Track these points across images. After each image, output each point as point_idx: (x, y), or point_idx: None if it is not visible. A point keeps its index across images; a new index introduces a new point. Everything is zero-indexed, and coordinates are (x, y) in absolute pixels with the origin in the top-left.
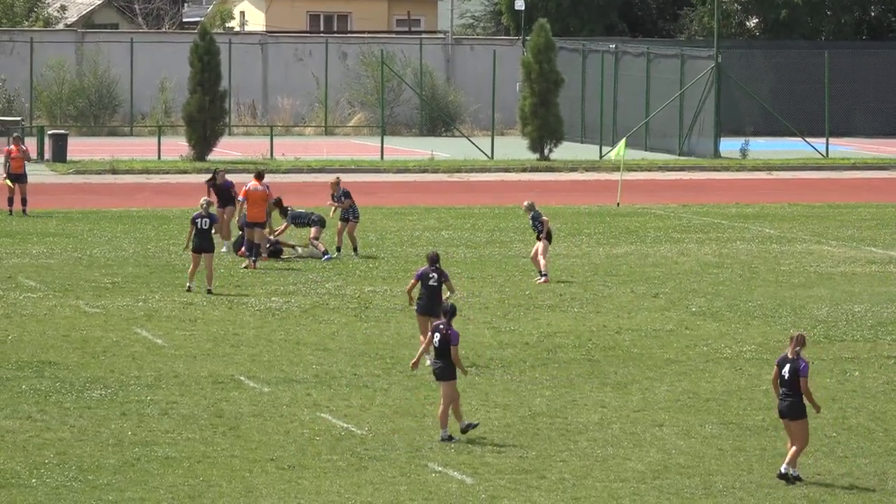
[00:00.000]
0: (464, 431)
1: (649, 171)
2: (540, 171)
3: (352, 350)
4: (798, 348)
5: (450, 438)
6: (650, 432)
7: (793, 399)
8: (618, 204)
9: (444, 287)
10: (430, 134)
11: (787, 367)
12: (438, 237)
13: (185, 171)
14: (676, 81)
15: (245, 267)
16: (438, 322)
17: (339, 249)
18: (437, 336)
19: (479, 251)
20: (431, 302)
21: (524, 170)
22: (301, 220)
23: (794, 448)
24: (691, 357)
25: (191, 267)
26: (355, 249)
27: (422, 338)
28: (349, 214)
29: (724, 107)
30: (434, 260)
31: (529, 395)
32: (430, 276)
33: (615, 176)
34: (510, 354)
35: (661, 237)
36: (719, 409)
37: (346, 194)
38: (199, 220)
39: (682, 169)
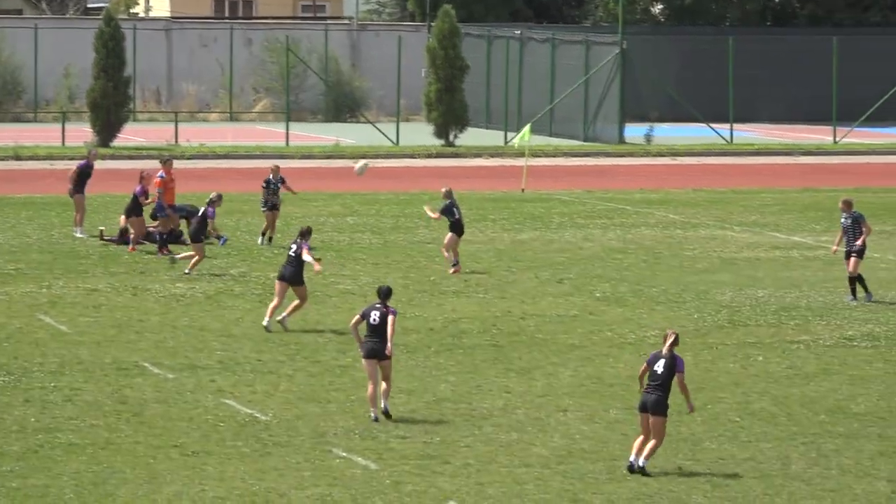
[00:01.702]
0: (386, 413)
1: (554, 156)
2: (445, 156)
3: (256, 336)
4: (673, 346)
5: (378, 419)
6: (554, 417)
7: (660, 395)
8: (522, 190)
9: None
10: (336, 120)
11: (662, 362)
12: (343, 223)
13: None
14: (581, 67)
15: (169, 257)
16: (375, 302)
17: (270, 239)
18: (376, 314)
19: (384, 237)
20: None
21: (429, 156)
22: (181, 213)
23: (652, 442)
24: (595, 342)
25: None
26: (270, 239)
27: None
28: (278, 202)
29: (628, 93)
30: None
31: (434, 381)
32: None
33: (520, 162)
34: (415, 340)
35: (566, 223)
36: (623, 394)
37: (282, 181)
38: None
39: (586, 155)
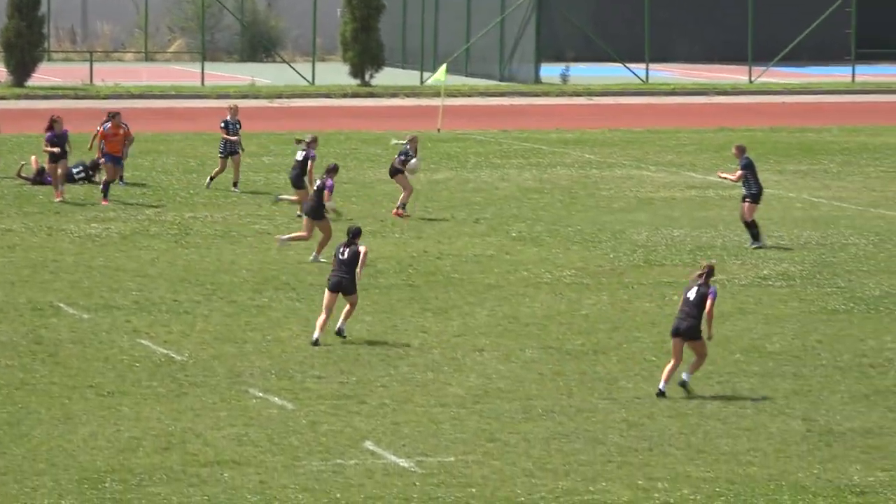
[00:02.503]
0: (339, 332)
1: (470, 96)
2: (361, 96)
3: (172, 276)
4: (708, 278)
5: (318, 342)
6: (470, 357)
7: (693, 321)
8: (438, 130)
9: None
10: (251, 60)
11: (695, 290)
12: (259, 163)
13: (3, 98)
14: (497, 7)
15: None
16: (346, 241)
17: (235, 184)
18: (346, 250)
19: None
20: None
21: (345, 95)
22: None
23: (695, 360)
24: (511, 282)
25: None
26: (235, 184)
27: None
28: (238, 147)
29: (544, 32)
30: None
31: (350, 321)
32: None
33: (436, 102)
34: None
35: (482, 163)
36: (539, 333)
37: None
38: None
39: (502, 94)
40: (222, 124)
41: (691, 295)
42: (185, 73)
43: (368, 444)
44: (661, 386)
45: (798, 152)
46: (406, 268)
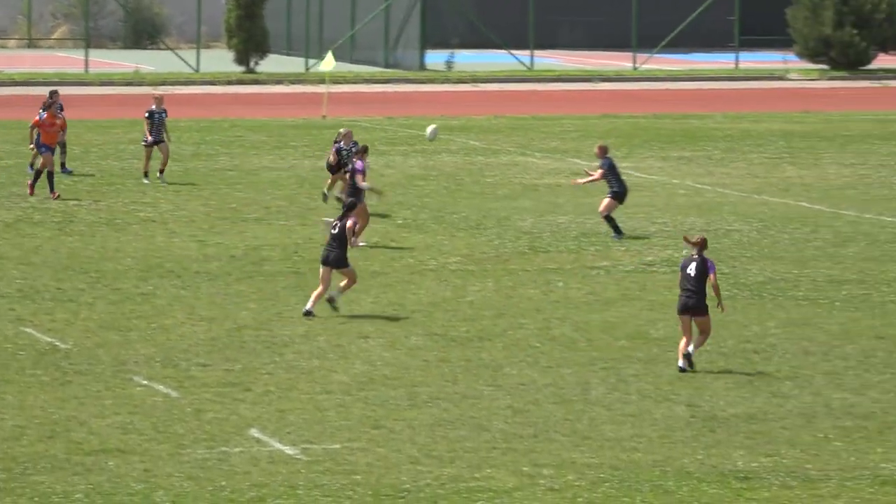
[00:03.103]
0: (330, 301)
1: (355, 83)
2: (246, 83)
3: (56, 264)
4: (701, 250)
5: (311, 313)
6: (355, 344)
7: (699, 297)
8: (324, 116)
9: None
10: (136, 47)
11: (693, 265)
12: (143, 151)
13: None
14: None
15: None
16: (340, 216)
17: (161, 172)
18: (339, 225)
19: (184, 164)
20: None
21: (230, 83)
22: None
23: (701, 336)
24: (396, 269)
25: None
26: (161, 172)
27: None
28: (164, 135)
29: (429, 19)
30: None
31: (235, 308)
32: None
33: (321, 88)
34: (216, 267)
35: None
36: (424, 320)
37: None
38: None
39: (387, 81)
40: (147, 114)
41: (691, 271)
42: (69, 60)
43: (254, 432)
44: (680, 363)
45: (682, 139)
46: (291, 255)
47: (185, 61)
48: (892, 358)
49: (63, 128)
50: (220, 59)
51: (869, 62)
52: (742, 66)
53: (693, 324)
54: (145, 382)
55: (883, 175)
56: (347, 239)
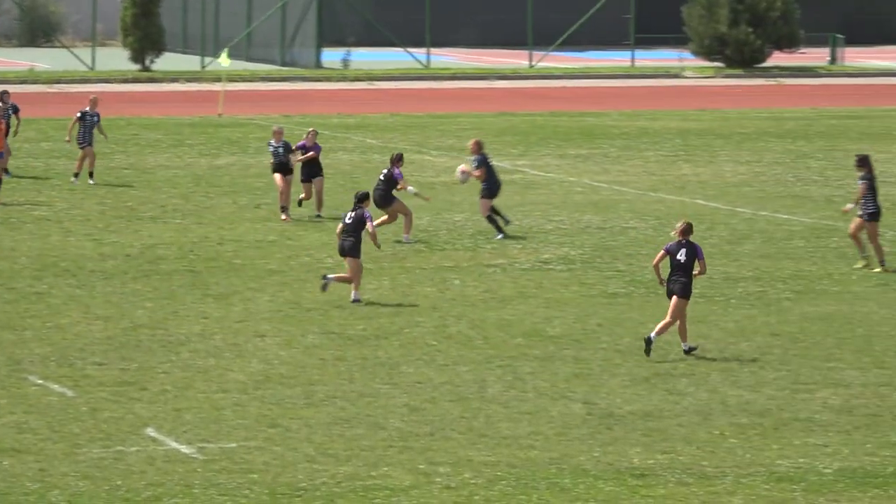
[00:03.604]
0: (355, 301)
1: (251, 81)
2: (141, 81)
3: None
4: (687, 235)
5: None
6: (252, 343)
7: (686, 280)
8: (220, 115)
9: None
10: (30, 45)
11: (683, 251)
12: (38, 149)
13: None
14: None
15: None
16: (354, 207)
17: (91, 175)
18: (351, 214)
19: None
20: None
21: (126, 81)
22: None
23: (669, 321)
24: (293, 267)
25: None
26: (91, 174)
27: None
28: (91, 139)
29: (325, 17)
30: (360, 199)
31: (131, 307)
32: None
33: (217, 86)
34: (111, 266)
35: (263, 147)
36: (321, 319)
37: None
38: None
39: (284, 79)
40: (79, 115)
41: (682, 257)
42: None
43: (150, 431)
44: (652, 335)
45: (578, 136)
46: (187, 253)
47: (80, 59)
48: (787, 355)
49: (7, 131)
50: (116, 57)
51: (764, 60)
52: (638, 64)
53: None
54: (40, 382)
55: (778, 173)
56: (373, 240)
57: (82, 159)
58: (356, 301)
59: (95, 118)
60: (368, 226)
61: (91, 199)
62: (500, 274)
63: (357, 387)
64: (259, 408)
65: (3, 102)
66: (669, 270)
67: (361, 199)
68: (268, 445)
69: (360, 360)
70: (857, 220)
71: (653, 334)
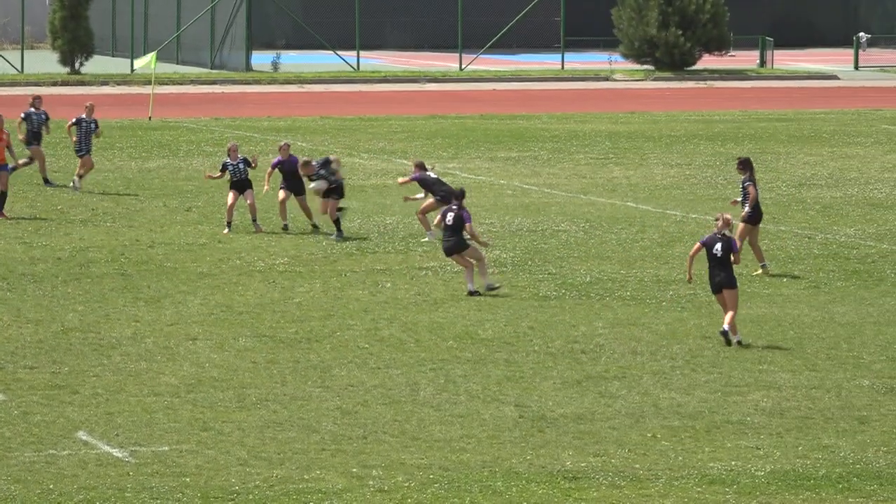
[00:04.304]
0: (490, 288)
1: (181, 84)
2: (71, 84)
3: None
4: (725, 229)
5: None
6: (184, 346)
7: (728, 272)
8: (150, 118)
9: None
10: None
11: (719, 245)
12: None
13: None
14: None
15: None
16: (452, 204)
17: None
18: (451, 215)
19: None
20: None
21: (55, 83)
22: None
23: (731, 313)
24: (224, 270)
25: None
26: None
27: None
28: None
29: (255, 20)
30: (458, 196)
31: (62, 311)
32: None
33: (147, 90)
34: (42, 269)
35: (194, 150)
36: (253, 321)
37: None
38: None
39: (213, 82)
40: (74, 120)
41: (718, 251)
42: None
43: (81, 435)
44: (725, 328)
45: (509, 139)
46: (118, 257)
47: (9, 62)
48: (718, 357)
49: (8, 145)
50: (45, 60)
51: (694, 63)
52: (568, 66)
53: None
54: None
55: (708, 175)
56: (474, 236)
57: (82, 167)
58: (490, 288)
59: (93, 125)
60: (468, 227)
61: (21, 202)
62: (431, 277)
63: (289, 390)
64: (191, 411)
65: (36, 109)
66: (709, 265)
67: (460, 196)
68: (200, 449)
69: (292, 363)
70: (742, 227)
71: (726, 327)
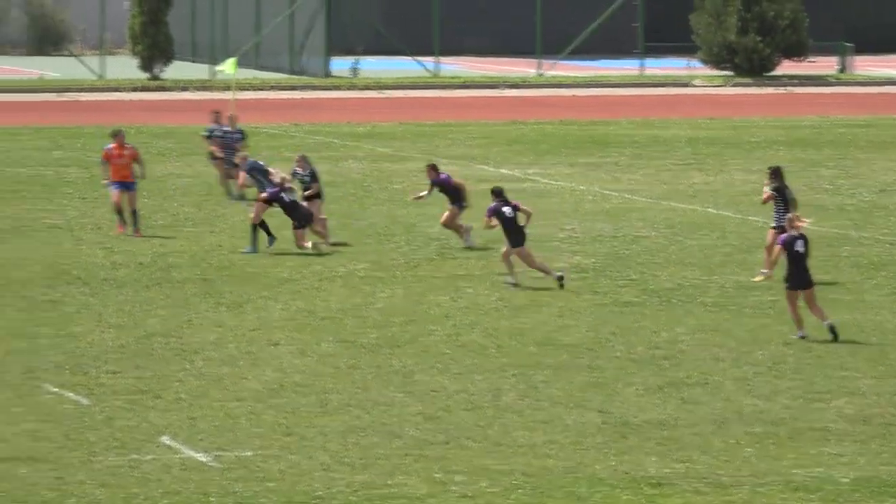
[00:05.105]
0: (560, 282)
1: (261, 89)
2: (151, 90)
3: None
4: (794, 228)
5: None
6: (266, 351)
7: (808, 271)
8: None
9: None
10: (39, 53)
11: (800, 242)
12: (49, 157)
13: None
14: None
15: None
16: (499, 203)
17: None
18: (508, 209)
19: (91, 171)
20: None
21: (135, 89)
22: None
23: (818, 307)
24: (306, 275)
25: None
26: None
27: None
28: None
29: (334, 25)
30: (499, 194)
31: (144, 316)
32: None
33: (227, 95)
34: (124, 275)
35: (274, 156)
36: (335, 327)
37: None
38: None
39: (293, 88)
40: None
41: (801, 248)
42: None
43: (165, 439)
44: (827, 322)
45: (589, 145)
46: (200, 262)
47: (89, 68)
48: (801, 364)
49: (135, 158)
50: (125, 66)
51: (773, 68)
52: (647, 72)
53: (802, 297)
54: (55, 390)
55: (788, 181)
56: (526, 218)
57: (226, 177)
58: (555, 276)
59: (238, 135)
60: (523, 210)
61: (103, 208)
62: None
63: (372, 395)
64: (274, 416)
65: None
66: (792, 264)
67: (501, 193)
68: (283, 454)
69: (374, 368)
70: (771, 232)
71: (827, 321)
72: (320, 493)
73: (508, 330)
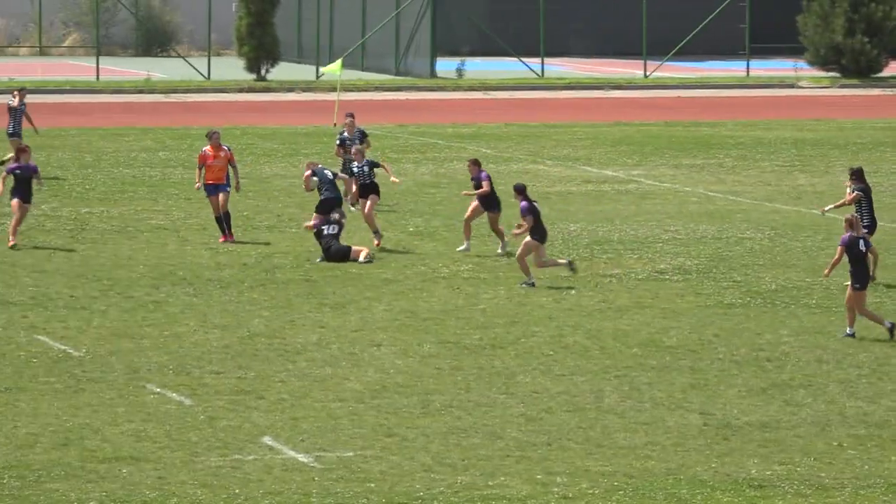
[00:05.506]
0: (571, 267)
1: (366, 90)
2: (257, 91)
3: (68, 272)
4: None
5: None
6: (368, 352)
7: (867, 269)
8: (335, 124)
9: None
10: (146, 54)
11: (862, 241)
12: (155, 158)
13: None
14: (392, 1)
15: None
16: (529, 199)
17: None
18: (537, 205)
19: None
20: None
21: (241, 90)
22: None
23: (868, 310)
24: (409, 276)
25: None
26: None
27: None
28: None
29: (440, 27)
30: (523, 190)
31: (248, 316)
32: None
33: (332, 96)
34: (228, 275)
35: (378, 157)
36: (437, 328)
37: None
38: None
39: (398, 89)
40: (338, 141)
41: (863, 247)
42: (80, 68)
43: (267, 440)
44: (888, 322)
45: (693, 146)
46: (303, 262)
47: (195, 69)
48: None
49: (231, 161)
50: (231, 67)
51: (881, 70)
52: (753, 73)
53: (855, 297)
54: (158, 390)
55: (894, 183)
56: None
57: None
58: (562, 266)
59: (359, 139)
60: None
61: (207, 209)
62: (615, 284)
63: (473, 396)
64: (376, 417)
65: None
66: (855, 264)
67: (523, 190)
68: (384, 454)
69: (476, 369)
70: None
71: (887, 322)
72: (421, 494)
73: (611, 331)
